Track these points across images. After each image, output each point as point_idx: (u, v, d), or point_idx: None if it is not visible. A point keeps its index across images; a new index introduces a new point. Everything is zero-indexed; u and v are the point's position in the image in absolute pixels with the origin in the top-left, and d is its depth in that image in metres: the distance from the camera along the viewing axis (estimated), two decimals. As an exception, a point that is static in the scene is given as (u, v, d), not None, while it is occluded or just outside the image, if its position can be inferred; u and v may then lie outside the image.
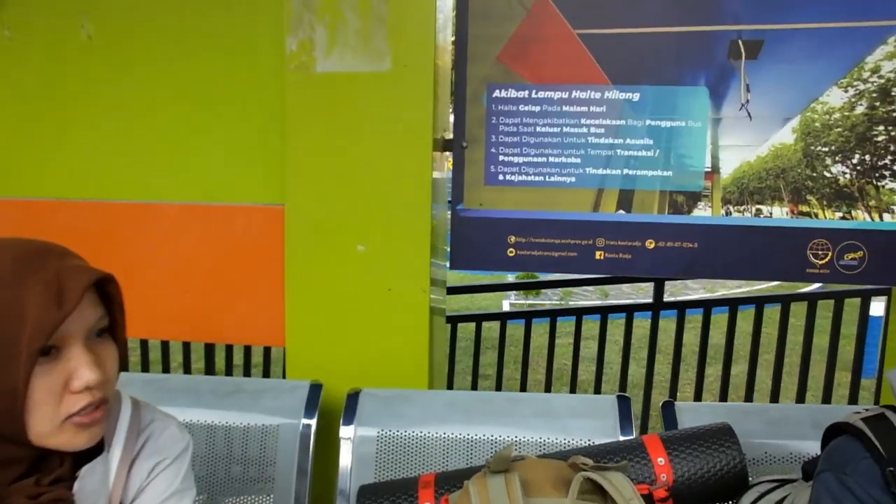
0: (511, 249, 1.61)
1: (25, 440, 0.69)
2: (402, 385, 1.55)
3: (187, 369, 2.65)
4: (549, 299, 7.21)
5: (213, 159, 1.64)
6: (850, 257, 1.57)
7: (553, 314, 2.62)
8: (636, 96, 1.56)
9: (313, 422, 1.43)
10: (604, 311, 2.62)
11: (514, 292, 7.13)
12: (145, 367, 2.72)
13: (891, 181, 1.56)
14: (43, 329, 0.66)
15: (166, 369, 2.67)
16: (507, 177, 1.60)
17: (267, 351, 2.71)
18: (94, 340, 0.73)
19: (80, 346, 0.70)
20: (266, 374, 2.78)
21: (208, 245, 1.65)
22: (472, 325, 2.77)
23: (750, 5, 1.53)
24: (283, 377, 1.62)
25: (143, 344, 2.72)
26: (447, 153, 1.63)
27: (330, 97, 1.53)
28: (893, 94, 1.53)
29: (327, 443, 1.45)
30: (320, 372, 1.56)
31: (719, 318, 2.95)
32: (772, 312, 2.91)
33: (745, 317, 2.97)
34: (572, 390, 2.79)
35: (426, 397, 1.49)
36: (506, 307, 6.38)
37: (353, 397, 1.45)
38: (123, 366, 0.78)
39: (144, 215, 1.67)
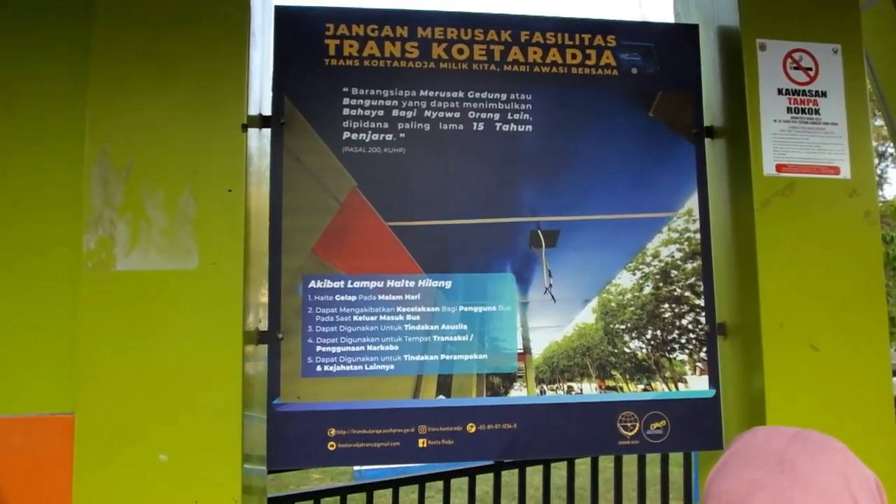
0: (332, 443, 1.55)
1: None
2: None
3: None
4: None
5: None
6: (655, 427, 1.67)
7: (395, 484, 2.53)
8: (448, 284, 1.63)
9: None
10: (447, 477, 2.58)
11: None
12: None
13: (680, 353, 1.71)
14: None
15: None
16: (326, 367, 1.57)
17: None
18: None
19: None
20: None
21: (-22, 465, 1.43)
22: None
23: (546, 200, 1.68)
24: None
25: None
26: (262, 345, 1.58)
27: (131, 296, 1.44)
28: (672, 275, 1.71)
29: None
30: None
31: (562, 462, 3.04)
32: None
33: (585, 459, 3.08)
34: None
35: None
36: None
37: None
38: None
39: None
